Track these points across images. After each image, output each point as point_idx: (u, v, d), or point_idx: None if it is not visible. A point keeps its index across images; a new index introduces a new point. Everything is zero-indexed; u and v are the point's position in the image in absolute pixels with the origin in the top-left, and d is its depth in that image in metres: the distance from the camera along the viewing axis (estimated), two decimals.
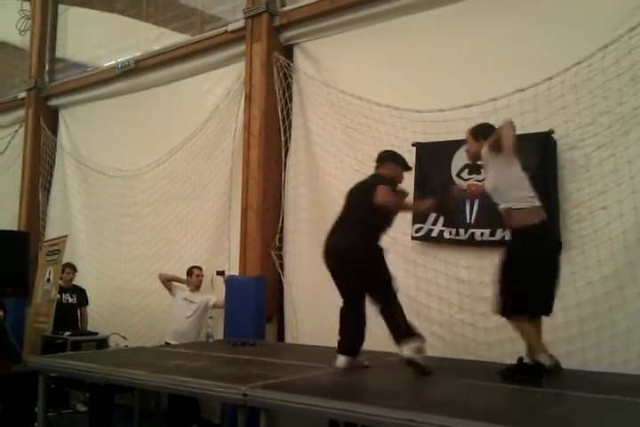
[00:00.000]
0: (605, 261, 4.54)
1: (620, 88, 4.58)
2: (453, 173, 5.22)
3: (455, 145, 5.19)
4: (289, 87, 6.56)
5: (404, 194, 4.40)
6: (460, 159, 5.18)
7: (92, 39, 9.04)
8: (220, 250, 6.84)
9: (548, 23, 4.99)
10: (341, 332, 4.19)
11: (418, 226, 5.36)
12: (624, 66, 4.56)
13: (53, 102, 9.56)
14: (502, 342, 4.80)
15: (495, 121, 4.92)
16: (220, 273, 6.43)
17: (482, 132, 4.01)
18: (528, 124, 4.84)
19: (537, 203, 3.80)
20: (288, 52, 6.72)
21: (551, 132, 4.78)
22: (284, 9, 6.64)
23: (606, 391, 3.42)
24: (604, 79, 4.63)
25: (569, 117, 4.75)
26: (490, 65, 5.18)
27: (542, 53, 4.91)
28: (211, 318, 6.24)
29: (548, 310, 3.88)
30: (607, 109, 4.63)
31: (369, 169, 5.76)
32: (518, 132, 4.83)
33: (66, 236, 7.55)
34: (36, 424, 4.77)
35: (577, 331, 4.55)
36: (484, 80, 5.15)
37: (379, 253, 4.15)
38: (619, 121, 4.59)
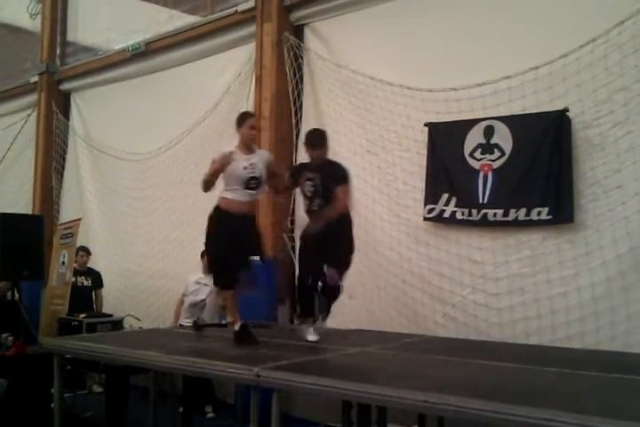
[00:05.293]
0: (620, 240, 4.47)
1: (638, 64, 4.47)
2: (466, 152, 5.14)
3: (468, 124, 5.13)
4: (300, 68, 6.49)
5: None
6: (472, 139, 5.12)
7: (103, 22, 9.01)
8: None
9: None
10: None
11: (430, 207, 5.31)
12: None
13: (65, 86, 9.57)
14: (514, 323, 4.79)
15: (508, 99, 4.91)
16: None
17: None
18: (543, 103, 4.78)
19: None
20: (298, 32, 6.64)
21: (566, 110, 4.69)
22: None
23: (620, 371, 3.40)
24: (620, 56, 4.52)
25: (584, 95, 4.66)
26: (503, 43, 5.08)
27: (557, 30, 4.81)
28: None
29: None
30: (623, 86, 4.53)
31: (380, 149, 5.76)
32: (533, 110, 4.82)
33: (79, 219, 7.58)
34: (52, 405, 4.83)
35: (590, 311, 4.51)
36: (497, 58, 5.06)
37: None
38: (635, 98, 4.49)
